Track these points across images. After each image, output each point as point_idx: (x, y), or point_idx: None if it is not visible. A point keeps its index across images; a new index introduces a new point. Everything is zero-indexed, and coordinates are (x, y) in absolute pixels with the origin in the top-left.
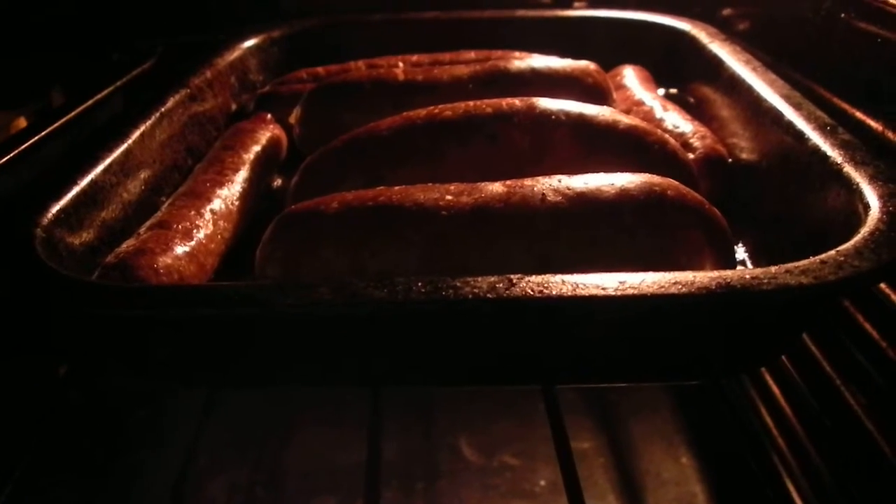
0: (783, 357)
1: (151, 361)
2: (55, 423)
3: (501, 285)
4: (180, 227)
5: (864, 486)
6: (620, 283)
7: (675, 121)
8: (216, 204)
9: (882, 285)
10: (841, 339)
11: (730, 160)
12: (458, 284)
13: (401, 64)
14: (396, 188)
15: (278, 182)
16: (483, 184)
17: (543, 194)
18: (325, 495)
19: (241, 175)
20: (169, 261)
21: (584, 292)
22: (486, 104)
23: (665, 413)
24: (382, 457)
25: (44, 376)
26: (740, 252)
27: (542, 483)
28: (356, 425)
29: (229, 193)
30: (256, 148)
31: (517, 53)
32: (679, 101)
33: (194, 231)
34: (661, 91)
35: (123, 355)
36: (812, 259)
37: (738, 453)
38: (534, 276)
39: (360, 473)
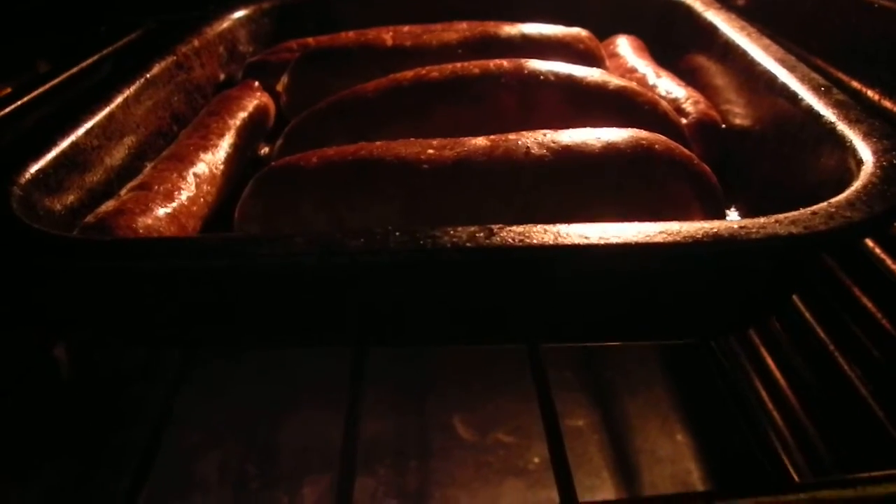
0: (779, 329)
1: (124, 321)
2: (46, 401)
3: (481, 235)
4: (161, 188)
5: (860, 460)
6: (604, 232)
7: (669, 86)
8: (199, 167)
9: (880, 252)
10: (836, 309)
11: (723, 125)
12: (437, 234)
13: (391, 32)
14: (378, 143)
15: (265, 150)
16: (466, 138)
17: (528, 148)
18: (318, 473)
19: (227, 140)
20: (149, 221)
21: (567, 241)
22: (474, 65)
23: (660, 390)
24: (377, 436)
25: (34, 353)
26: (734, 216)
27: (536, 460)
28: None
29: (213, 158)
30: (243, 114)
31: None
32: (674, 70)
33: (176, 193)
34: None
35: (96, 315)
36: (802, 210)
37: (732, 429)
38: (515, 226)
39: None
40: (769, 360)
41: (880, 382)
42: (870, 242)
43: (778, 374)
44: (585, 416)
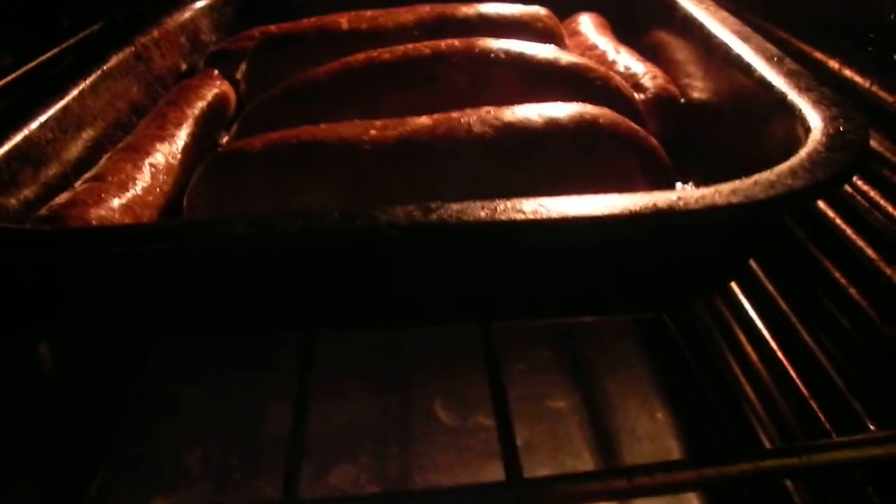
0: (752, 311)
1: (73, 310)
2: (31, 398)
3: (418, 213)
4: (116, 179)
5: (826, 430)
6: (541, 206)
7: (628, 62)
8: (156, 157)
9: (840, 223)
10: (807, 282)
11: (682, 100)
12: (374, 213)
13: (349, 16)
14: (322, 125)
15: (226, 138)
16: (410, 118)
17: (470, 126)
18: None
19: (184, 130)
20: (102, 212)
21: (505, 216)
22: (425, 45)
23: (640, 370)
24: (357, 422)
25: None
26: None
27: (518, 442)
28: (333, 392)
29: (170, 148)
30: (201, 103)
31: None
32: (636, 47)
33: (130, 184)
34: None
35: (46, 307)
36: (744, 179)
37: (711, 407)
38: (453, 204)
39: (337, 438)
40: (748, 348)
41: (849, 355)
42: (830, 212)
43: (747, 345)
44: (566, 397)
